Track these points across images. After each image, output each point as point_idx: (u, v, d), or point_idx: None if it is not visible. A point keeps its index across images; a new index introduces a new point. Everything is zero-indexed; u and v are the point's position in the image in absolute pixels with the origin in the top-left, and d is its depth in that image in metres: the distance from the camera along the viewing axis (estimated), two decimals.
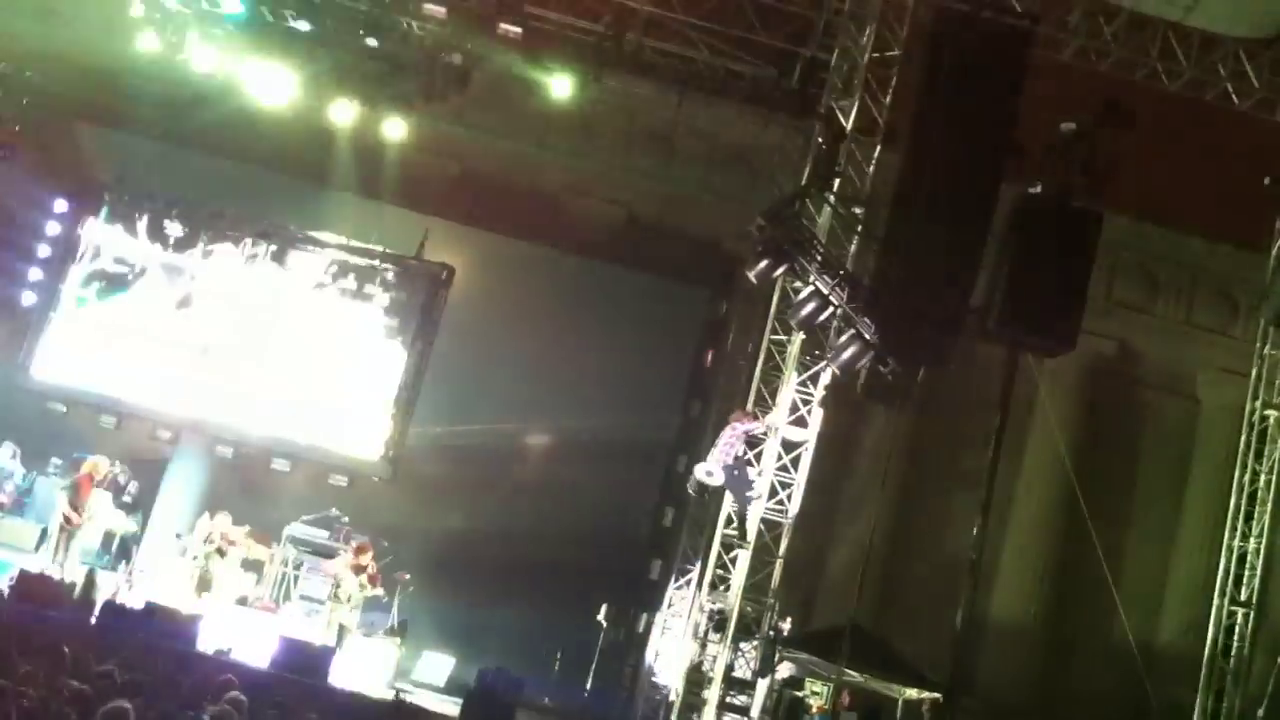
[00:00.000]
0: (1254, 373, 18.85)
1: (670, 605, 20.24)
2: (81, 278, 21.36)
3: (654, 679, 19.09)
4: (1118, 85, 17.93)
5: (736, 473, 16.27)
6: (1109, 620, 19.07)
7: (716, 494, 17.17)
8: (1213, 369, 23.50)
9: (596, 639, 20.29)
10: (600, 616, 20.20)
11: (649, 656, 19.86)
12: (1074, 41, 18.28)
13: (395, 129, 20.36)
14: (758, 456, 16.79)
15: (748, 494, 16.49)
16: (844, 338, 15.14)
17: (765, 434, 16.72)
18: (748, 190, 21.35)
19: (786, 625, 18.02)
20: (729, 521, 16.86)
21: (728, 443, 16.23)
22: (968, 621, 17.00)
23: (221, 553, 17.94)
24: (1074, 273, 14.92)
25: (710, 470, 16.18)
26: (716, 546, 17.03)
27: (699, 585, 17.82)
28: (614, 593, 20.62)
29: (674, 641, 19.00)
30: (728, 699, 16.57)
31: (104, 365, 20.99)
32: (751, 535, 16.58)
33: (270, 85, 19.51)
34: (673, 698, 17.25)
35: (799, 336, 16.75)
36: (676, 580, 20.68)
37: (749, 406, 17.21)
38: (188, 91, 20.70)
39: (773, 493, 16.70)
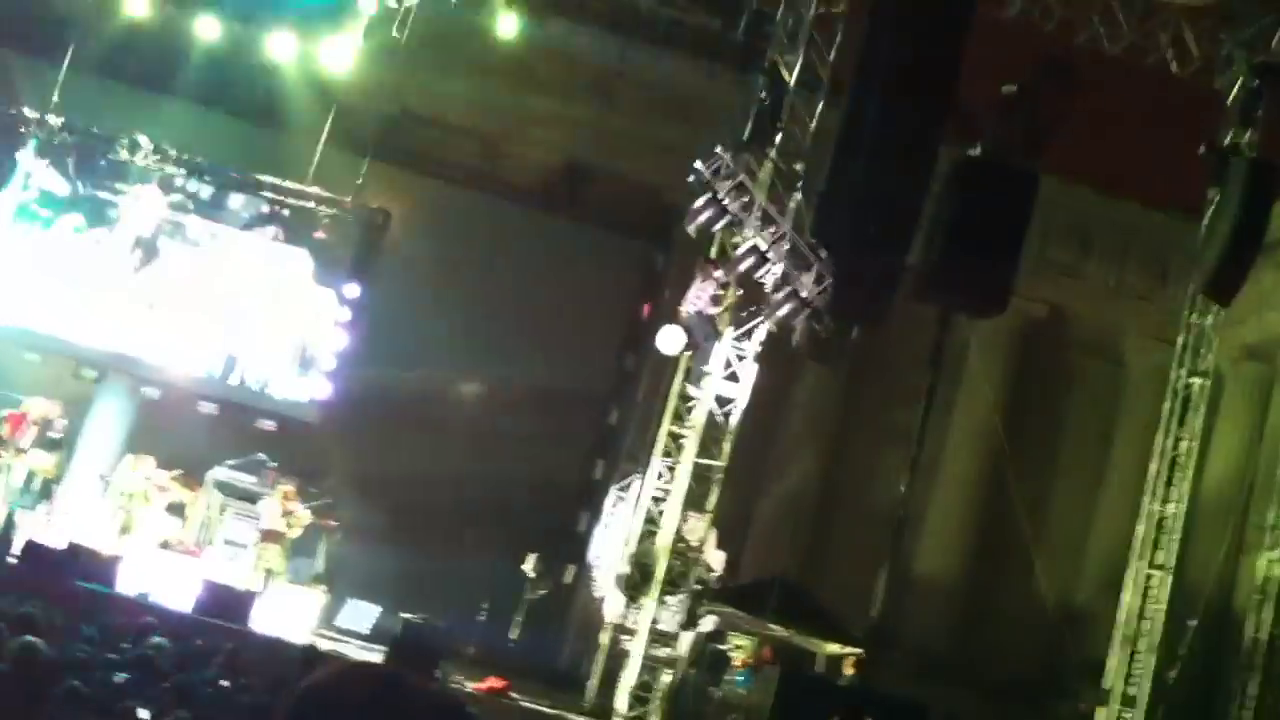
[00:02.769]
0: (1180, 340, 19.06)
1: (614, 506, 20.09)
2: (12, 208, 20.83)
3: (592, 577, 19.19)
4: (1059, 48, 17.96)
5: (706, 323, 16.41)
6: (1030, 578, 19.35)
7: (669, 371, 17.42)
8: (1140, 334, 23.76)
9: (523, 589, 20.27)
10: (526, 567, 20.16)
11: (590, 555, 19.80)
12: (1017, 1, 18.26)
13: (334, 64, 19.98)
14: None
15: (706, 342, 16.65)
16: (780, 294, 15.17)
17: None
18: (689, 142, 21.18)
19: (719, 561, 18.03)
20: (675, 416, 17.03)
21: (700, 290, 16.35)
22: (893, 577, 17.22)
23: (148, 498, 17.73)
24: (1009, 236, 15.02)
25: (690, 312, 16.37)
26: (666, 426, 17.19)
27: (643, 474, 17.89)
28: (541, 543, 20.59)
29: (613, 539, 19.02)
30: (652, 650, 16.67)
31: (29, 300, 20.54)
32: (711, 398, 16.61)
33: (205, 18, 19.15)
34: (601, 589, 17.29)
35: (735, 291, 16.75)
36: (619, 481, 20.47)
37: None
38: (122, 24, 20.19)
39: (703, 448, 16.74)
